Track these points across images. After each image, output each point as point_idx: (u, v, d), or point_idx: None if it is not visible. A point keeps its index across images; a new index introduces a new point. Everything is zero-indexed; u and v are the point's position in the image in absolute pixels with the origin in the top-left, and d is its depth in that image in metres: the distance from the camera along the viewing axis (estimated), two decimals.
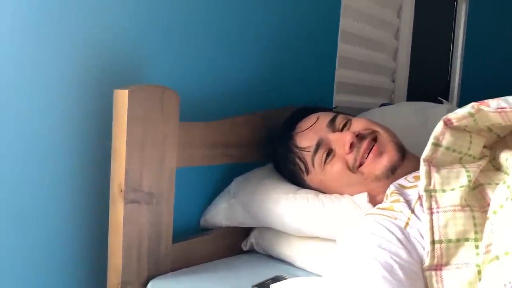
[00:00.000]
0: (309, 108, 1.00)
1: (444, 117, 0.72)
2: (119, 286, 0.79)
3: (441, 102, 1.24)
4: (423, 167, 0.71)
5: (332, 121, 0.93)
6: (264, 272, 0.88)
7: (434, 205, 0.68)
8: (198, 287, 0.83)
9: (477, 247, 0.64)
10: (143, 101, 0.79)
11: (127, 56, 0.85)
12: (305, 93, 1.26)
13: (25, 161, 0.75)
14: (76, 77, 0.79)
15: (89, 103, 0.81)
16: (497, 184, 0.68)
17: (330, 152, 0.90)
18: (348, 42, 1.46)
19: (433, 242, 0.65)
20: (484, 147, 0.77)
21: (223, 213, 0.99)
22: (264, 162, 1.07)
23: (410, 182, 0.80)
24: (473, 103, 0.69)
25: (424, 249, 0.67)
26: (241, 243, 1.03)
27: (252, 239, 1.01)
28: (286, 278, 0.83)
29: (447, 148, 0.72)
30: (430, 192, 0.69)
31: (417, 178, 0.78)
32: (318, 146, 0.91)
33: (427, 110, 1.19)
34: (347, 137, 0.88)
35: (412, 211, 0.72)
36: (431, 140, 0.72)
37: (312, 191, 0.94)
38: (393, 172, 0.86)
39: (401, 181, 0.82)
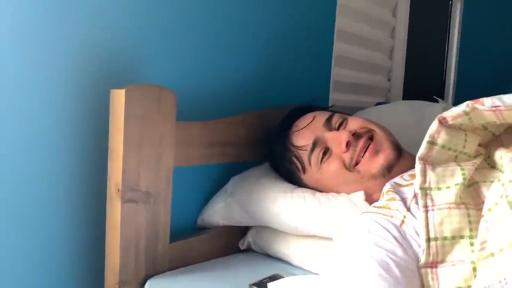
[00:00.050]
0: (306, 107, 1.01)
1: (439, 115, 0.72)
2: (117, 285, 0.79)
3: (437, 101, 1.24)
4: (418, 165, 0.71)
5: (329, 120, 0.93)
6: (262, 271, 0.88)
7: (429, 203, 0.68)
8: (196, 286, 0.83)
9: (472, 244, 0.64)
10: (140, 101, 0.79)
11: (124, 56, 0.86)
12: (302, 92, 1.26)
13: (22, 161, 0.75)
14: (73, 77, 0.79)
15: (87, 103, 0.81)
16: (492, 182, 0.68)
17: (326, 151, 0.90)
18: (344, 41, 1.46)
19: (428, 240, 0.66)
20: (479, 145, 0.77)
21: (220, 212, 0.99)
22: (261, 161, 1.07)
23: (406, 180, 0.81)
24: (467, 102, 0.69)
25: (419, 247, 0.67)
26: (238, 242, 1.04)
27: (249, 238, 1.02)
28: (284, 277, 0.84)
29: (442, 147, 0.72)
30: (425, 190, 0.69)
31: (413, 176, 0.78)
32: (314, 145, 0.91)
33: (423, 109, 1.20)
34: (343, 136, 0.88)
35: (408, 209, 0.72)
36: (426, 138, 0.72)
37: (309, 189, 0.94)
38: (389, 171, 0.86)
39: (397, 179, 0.82)
